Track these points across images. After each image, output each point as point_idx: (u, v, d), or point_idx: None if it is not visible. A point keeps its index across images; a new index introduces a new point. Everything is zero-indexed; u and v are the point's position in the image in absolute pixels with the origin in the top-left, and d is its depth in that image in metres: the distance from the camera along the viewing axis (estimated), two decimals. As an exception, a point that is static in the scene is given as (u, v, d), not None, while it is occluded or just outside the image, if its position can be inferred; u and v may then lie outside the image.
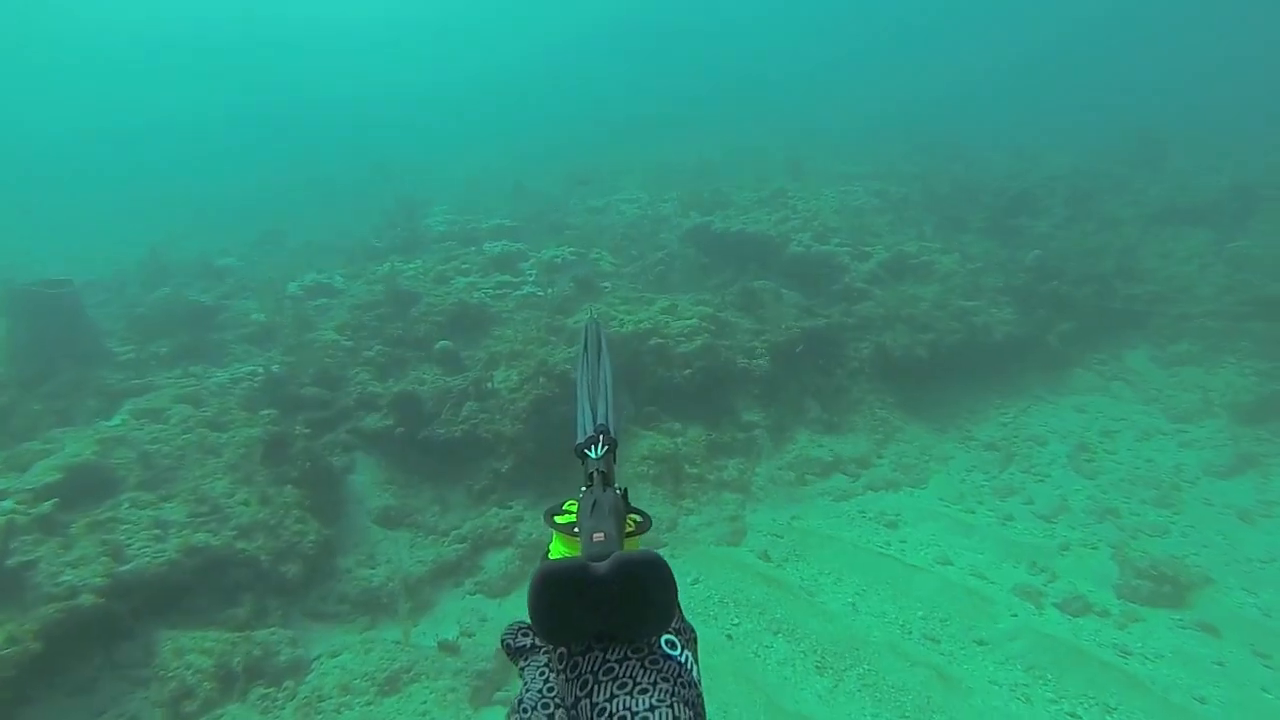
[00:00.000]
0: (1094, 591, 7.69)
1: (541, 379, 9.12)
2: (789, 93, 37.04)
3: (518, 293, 11.69)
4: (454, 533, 8.30)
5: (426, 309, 10.72)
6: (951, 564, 8.28)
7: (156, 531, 6.43)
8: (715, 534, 8.85)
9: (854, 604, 7.70)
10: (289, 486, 7.44)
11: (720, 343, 10.69)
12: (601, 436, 1.87)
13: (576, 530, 1.53)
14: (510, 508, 8.69)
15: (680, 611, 1.31)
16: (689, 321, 10.70)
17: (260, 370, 8.93)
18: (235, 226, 18.87)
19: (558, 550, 1.64)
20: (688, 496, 9.31)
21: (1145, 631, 7.16)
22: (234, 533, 6.58)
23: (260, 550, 6.56)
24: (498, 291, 11.68)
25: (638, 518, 1.66)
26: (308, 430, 8.06)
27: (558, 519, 1.66)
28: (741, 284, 12.27)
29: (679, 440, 9.83)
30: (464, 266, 12.51)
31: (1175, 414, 11.13)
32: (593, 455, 1.81)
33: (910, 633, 7.28)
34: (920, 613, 7.53)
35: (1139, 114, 23.63)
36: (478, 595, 7.93)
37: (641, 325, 10.44)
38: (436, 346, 10.02)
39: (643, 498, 9.12)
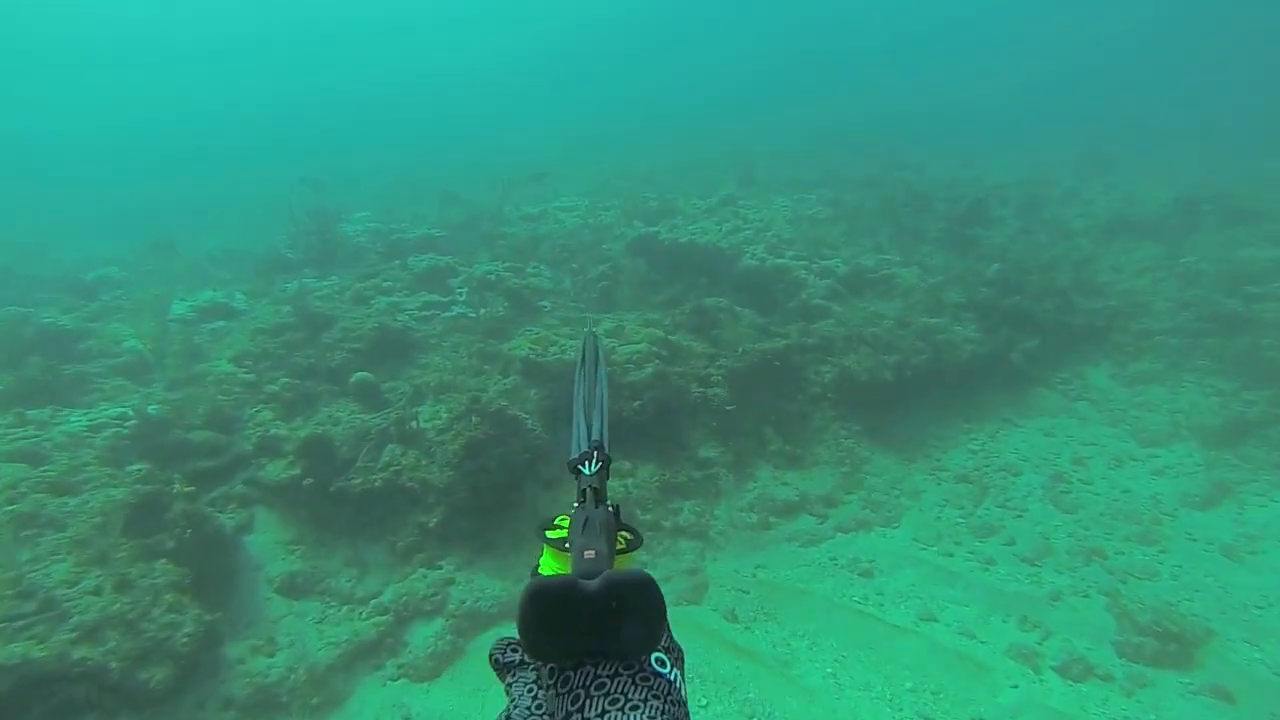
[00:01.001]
0: (1093, 650, 6.96)
1: (474, 417, 7.93)
2: (736, 108, 36.24)
3: (446, 314, 10.43)
4: (373, 602, 7.06)
5: (342, 334, 9.38)
6: (936, 620, 7.46)
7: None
8: (673, 590, 7.85)
9: (834, 675, 6.79)
10: (161, 561, 6.07)
11: (672, 369, 9.69)
12: (595, 453, 1.84)
13: (568, 545, 1.48)
14: (439, 568, 7.50)
15: (669, 630, 1.32)
16: (637, 346, 9.66)
17: (131, 413, 7.48)
18: (125, 234, 16.87)
19: (548, 566, 1.59)
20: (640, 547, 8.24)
21: (1156, 700, 6.45)
22: (72, 635, 5.19)
23: (111, 655, 5.19)
24: (424, 313, 10.39)
25: (629, 535, 1.62)
26: (190, 487, 6.68)
27: (549, 534, 1.60)
28: (693, 301, 11.30)
29: (629, 482, 8.79)
30: (386, 284, 11.14)
31: (1144, 438, 10.66)
32: (586, 471, 1.78)
33: (901, 709, 6.41)
34: (909, 684, 6.67)
35: (1086, 129, 23.74)
36: (401, 680, 6.71)
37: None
38: (353, 379, 8.70)
39: (591, 550, 8.04)
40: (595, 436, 1.93)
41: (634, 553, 1.59)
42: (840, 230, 14.77)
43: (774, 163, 20.22)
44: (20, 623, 5.07)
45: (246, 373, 8.63)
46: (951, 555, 8.52)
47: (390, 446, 8.00)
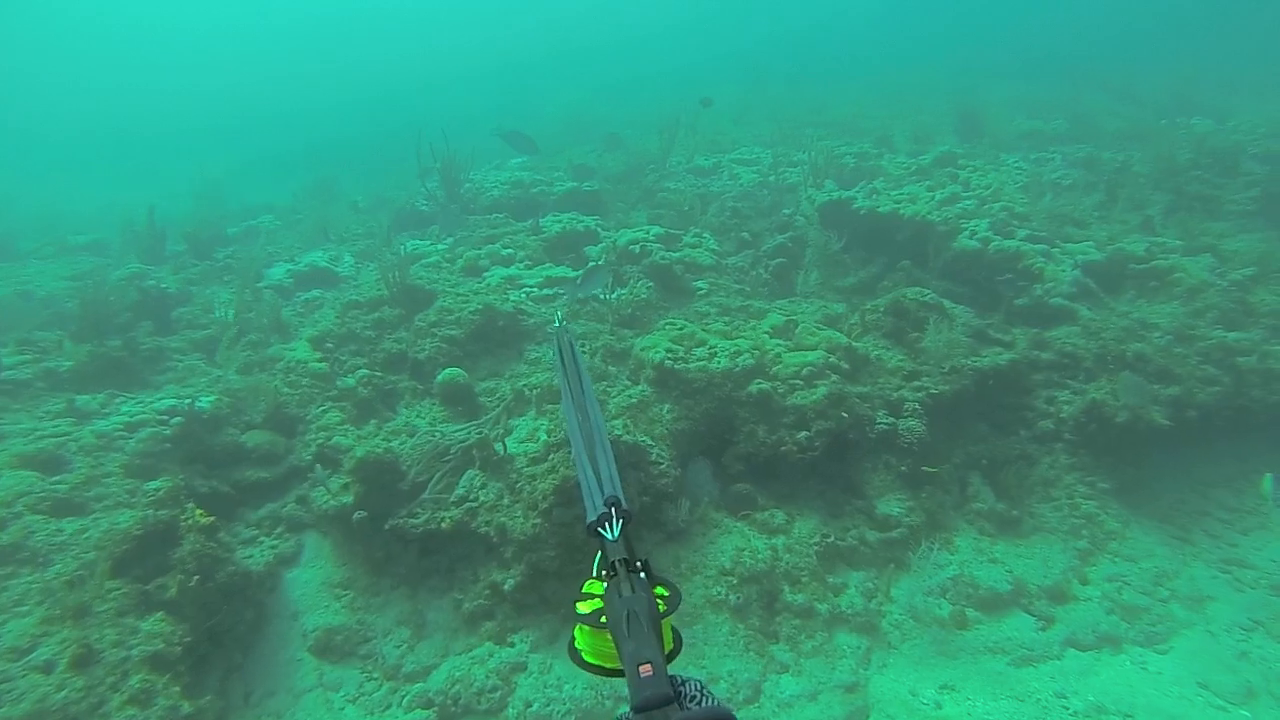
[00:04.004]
0: None
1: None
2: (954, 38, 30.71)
3: (575, 293, 8.57)
4: (417, 688, 5.49)
5: (439, 315, 7.79)
6: None
7: None
8: (819, 716, 5.68)
9: None
10: (155, 617, 4.78)
11: (854, 389, 7.26)
12: (614, 510, 1.71)
13: (603, 620, 1.42)
14: (511, 645, 5.82)
15: None
16: (810, 356, 7.31)
17: (182, 406, 6.31)
18: (292, 174, 16.47)
19: (584, 642, 1.49)
20: (783, 639, 6.13)
21: None
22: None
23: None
24: (545, 291, 8.59)
25: (664, 592, 1.52)
26: (210, 518, 5.34)
27: (580, 606, 1.51)
28: (891, 292, 8.68)
29: (780, 542, 6.60)
30: (506, 251, 9.46)
31: None
32: (609, 536, 1.66)
33: None
34: None
35: None
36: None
37: (740, 361, 7.13)
38: (440, 376, 7.09)
39: (715, 638, 6.04)
40: (608, 490, 1.82)
41: (674, 614, 1.48)
42: (1094, 201, 11.24)
43: (1006, 109, 16.28)
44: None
45: (321, 360, 7.27)
46: (1269, 727, 5.60)
47: (470, 473, 6.31)
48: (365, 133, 23.33)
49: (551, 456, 6.21)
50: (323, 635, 5.71)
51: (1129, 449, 7.79)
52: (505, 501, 6.17)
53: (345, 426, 6.67)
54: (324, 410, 6.84)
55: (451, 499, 6.26)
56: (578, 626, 1.53)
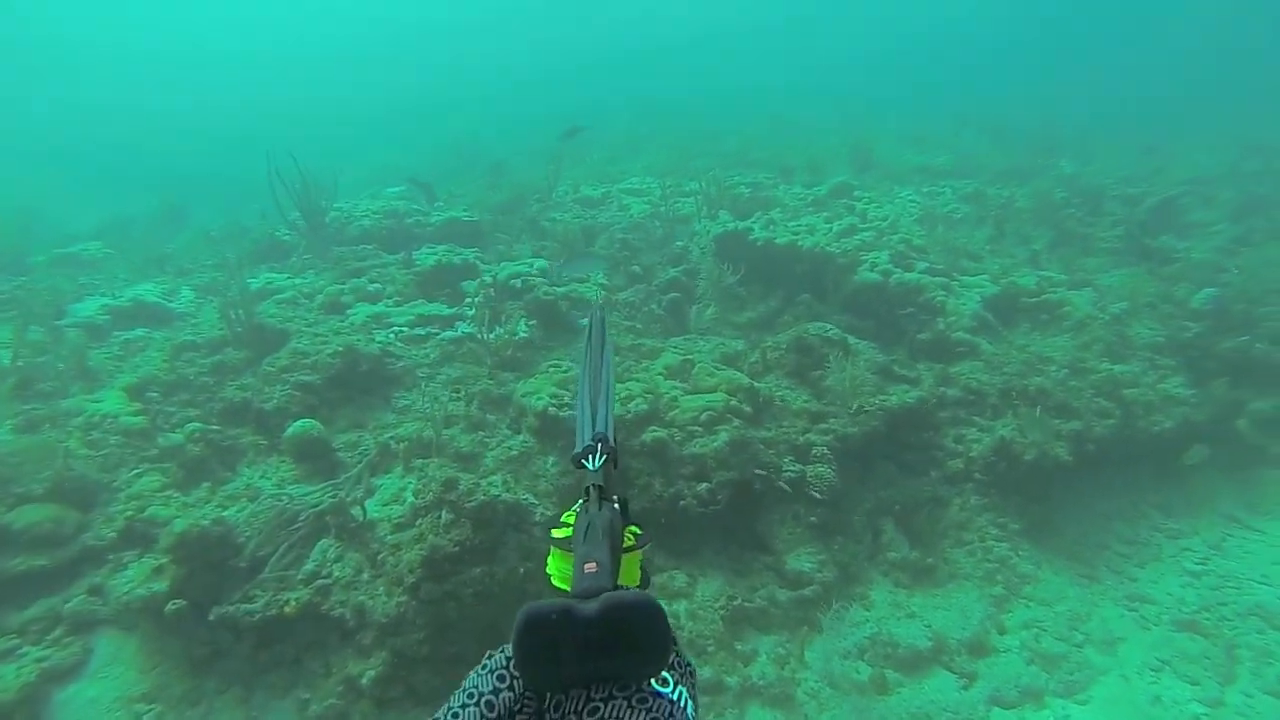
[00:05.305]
0: None
1: (444, 512, 5.17)
2: (847, 82, 31.62)
3: (445, 334, 7.67)
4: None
5: (292, 359, 6.72)
6: None
7: None
8: (735, 809, 4.99)
9: None
10: None
11: (757, 435, 6.70)
12: (600, 445, 1.77)
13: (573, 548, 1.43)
14: (370, 757, 4.80)
15: (677, 647, 1.25)
16: (709, 399, 6.72)
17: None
18: (138, 195, 14.69)
19: (555, 566, 1.55)
20: None
21: None
22: None
23: None
24: (415, 331, 7.66)
25: (637, 530, 1.60)
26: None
27: (555, 533, 1.57)
28: (792, 328, 8.26)
29: (682, 608, 5.91)
30: (374, 286, 8.46)
31: None
32: (590, 466, 1.72)
33: None
34: None
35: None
36: None
37: (632, 406, 6.46)
38: (290, 430, 6.04)
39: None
40: (599, 428, 1.85)
41: (643, 550, 1.56)
42: (984, 235, 11.36)
43: (896, 144, 16.56)
44: None
45: (138, 413, 6.07)
46: (1193, 782, 5.30)
47: (323, 544, 5.32)
48: (235, 160, 21.53)
49: (420, 522, 5.30)
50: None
51: (1036, 486, 7.61)
52: (365, 577, 5.20)
53: (167, 493, 5.51)
54: (138, 474, 5.64)
55: (299, 576, 5.24)
56: (550, 551, 1.56)
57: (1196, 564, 7.39)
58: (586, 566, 1.30)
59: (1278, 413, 8.66)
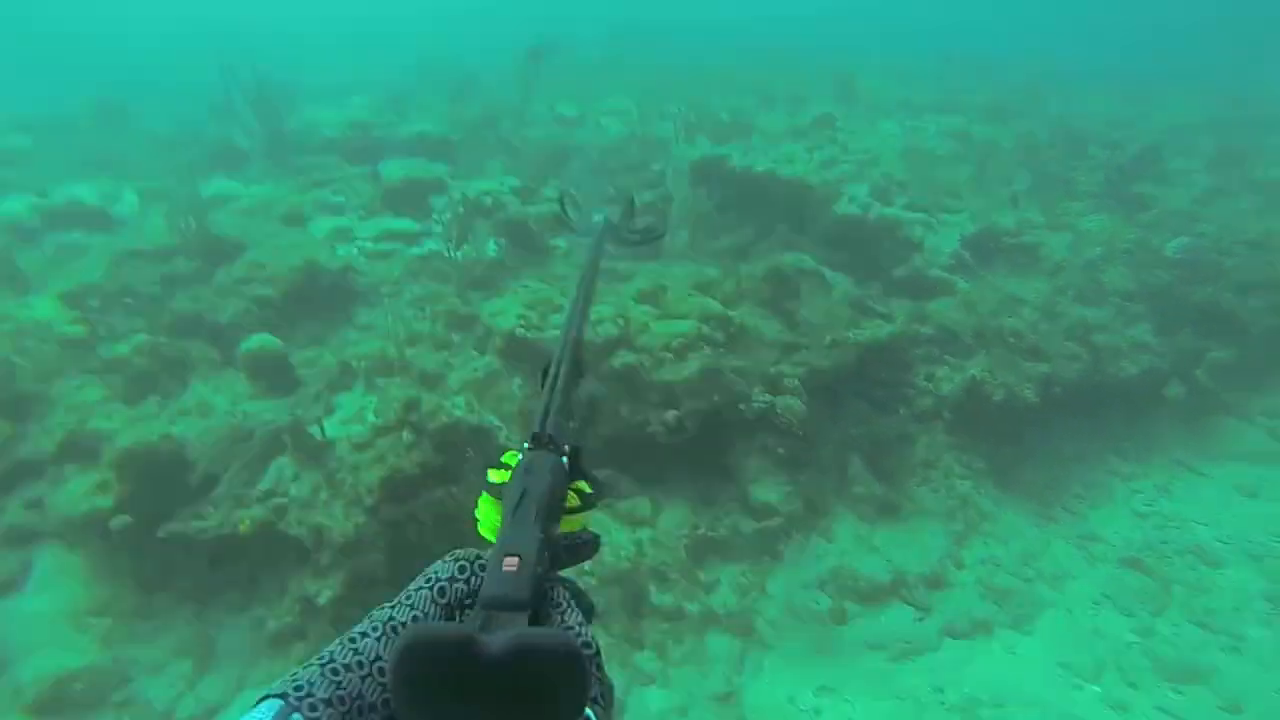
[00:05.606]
0: None
1: (406, 432, 5.03)
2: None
3: (412, 249, 7.36)
4: (204, 726, 4.38)
5: (249, 270, 6.40)
6: None
7: None
8: (691, 727, 5.08)
9: None
10: None
11: (729, 364, 6.60)
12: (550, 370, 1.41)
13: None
14: (325, 674, 4.73)
15: (600, 673, 1.00)
16: (682, 325, 6.58)
17: None
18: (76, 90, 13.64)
19: (484, 513, 1.18)
20: (650, 646, 5.45)
21: None
22: None
23: None
24: (380, 246, 7.34)
25: (586, 488, 1.25)
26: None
27: (491, 474, 1.21)
28: (768, 257, 8.09)
29: (646, 535, 5.89)
30: (337, 198, 8.07)
31: None
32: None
33: None
34: None
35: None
36: None
37: (601, 330, 6.30)
38: (246, 344, 5.78)
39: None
40: (560, 356, 1.47)
41: (588, 512, 1.25)
42: (966, 173, 11.17)
43: (881, 78, 16.11)
44: None
45: (76, 321, 5.74)
46: (1126, 710, 5.51)
47: (280, 462, 5.16)
48: (186, 64, 20.17)
49: (379, 442, 5.15)
50: (50, 687, 4.38)
51: (1005, 426, 7.67)
52: (322, 496, 5.06)
53: (110, 405, 5.26)
54: (78, 386, 5.36)
55: (254, 494, 5.09)
56: (483, 494, 1.28)
57: (1145, 505, 7.59)
58: (505, 562, 1.05)
59: (1234, 362, 8.82)
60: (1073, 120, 13.79)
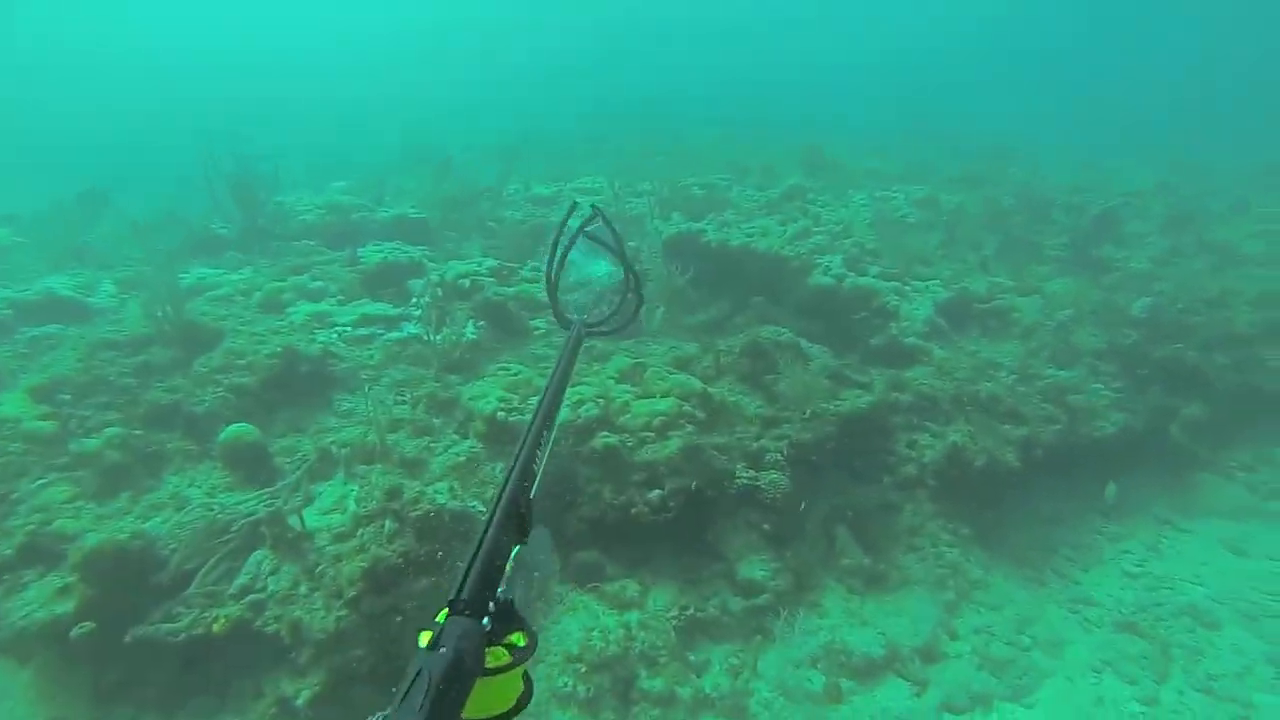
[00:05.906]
0: None
1: (388, 521, 4.95)
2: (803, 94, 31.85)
3: (390, 335, 7.39)
4: None
5: (226, 359, 6.39)
6: None
7: None
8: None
9: None
10: None
11: (710, 441, 6.59)
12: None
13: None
14: (302, 785, 4.55)
15: None
16: (662, 404, 6.59)
17: None
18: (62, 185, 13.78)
19: None
20: (642, 736, 5.27)
21: None
22: None
23: None
24: (359, 331, 7.37)
25: (520, 640, 1.12)
26: None
27: (421, 637, 1.03)
28: (745, 332, 8.19)
29: (634, 618, 5.77)
30: (317, 284, 8.13)
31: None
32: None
33: None
34: None
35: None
36: None
37: (582, 411, 6.30)
38: (224, 434, 5.71)
39: (562, 743, 5.10)
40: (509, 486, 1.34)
41: (516, 669, 1.11)
42: (936, 241, 11.47)
43: (848, 149, 16.70)
44: None
45: (45, 417, 5.66)
46: (1135, 783, 5.38)
47: (258, 556, 5.03)
48: (167, 151, 20.49)
49: (362, 531, 5.06)
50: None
51: (987, 491, 7.67)
52: (302, 590, 4.93)
53: (78, 504, 5.13)
54: (44, 484, 5.24)
55: (230, 591, 4.95)
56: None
57: (1135, 566, 7.57)
58: None
59: (1206, 418, 8.96)
60: (1035, 187, 14.28)
